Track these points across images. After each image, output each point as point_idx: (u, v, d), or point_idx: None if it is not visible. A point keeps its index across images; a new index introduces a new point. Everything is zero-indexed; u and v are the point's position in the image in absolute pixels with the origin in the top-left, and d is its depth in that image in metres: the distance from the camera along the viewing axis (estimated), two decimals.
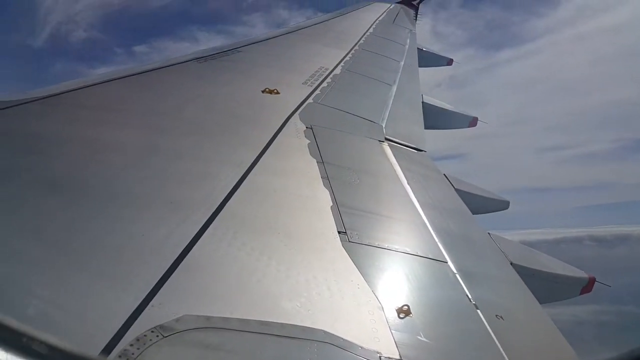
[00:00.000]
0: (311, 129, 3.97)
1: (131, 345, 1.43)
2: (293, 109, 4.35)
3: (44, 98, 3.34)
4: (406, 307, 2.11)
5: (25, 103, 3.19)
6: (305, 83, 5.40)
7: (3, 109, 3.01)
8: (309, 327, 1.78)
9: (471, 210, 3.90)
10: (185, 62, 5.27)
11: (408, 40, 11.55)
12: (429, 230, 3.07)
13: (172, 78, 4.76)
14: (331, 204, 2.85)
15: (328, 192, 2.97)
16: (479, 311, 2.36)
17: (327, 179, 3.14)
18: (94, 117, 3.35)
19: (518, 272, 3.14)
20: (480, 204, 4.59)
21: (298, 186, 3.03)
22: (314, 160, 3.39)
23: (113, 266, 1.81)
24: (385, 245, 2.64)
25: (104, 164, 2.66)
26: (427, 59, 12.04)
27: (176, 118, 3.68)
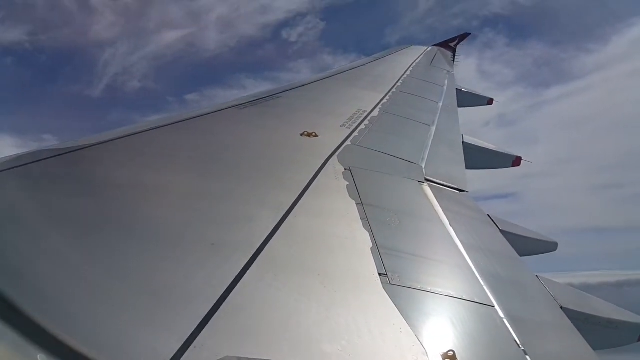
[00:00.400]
0: (350, 170, 3.98)
1: None
2: (331, 151, 4.40)
3: (94, 145, 3.52)
4: (452, 352, 2.03)
5: (78, 150, 3.36)
6: (343, 126, 5.47)
7: (58, 155, 3.19)
8: None
9: (517, 252, 3.77)
10: (226, 109, 5.46)
11: (446, 82, 11.61)
12: (474, 273, 2.97)
13: (213, 124, 4.92)
14: (371, 245, 2.81)
15: (368, 234, 2.95)
16: (528, 357, 2.24)
17: (366, 220, 3.12)
18: (139, 162, 3.49)
19: (569, 317, 2.98)
20: (526, 246, 4.43)
21: (337, 228, 3.02)
22: (353, 202, 3.39)
23: (156, 306, 1.83)
24: (429, 289, 2.57)
25: (148, 206, 2.75)
26: (467, 99, 12.04)
27: (217, 163, 3.79)
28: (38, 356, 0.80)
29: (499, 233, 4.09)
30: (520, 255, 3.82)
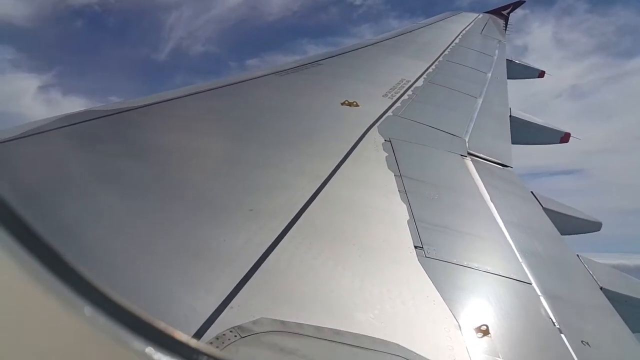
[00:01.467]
0: (390, 141, 3.95)
1: (211, 342, 1.50)
2: (372, 121, 4.36)
3: (138, 108, 3.62)
4: (485, 327, 2.03)
5: (123, 112, 3.47)
6: (385, 95, 5.38)
7: (105, 116, 3.31)
8: (383, 340, 1.76)
9: (560, 231, 3.68)
10: (266, 75, 5.44)
11: (496, 52, 11.15)
12: (513, 250, 2.93)
13: (254, 91, 4.95)
14: (408, 218, 2.81)
15: (405, 206, 2.94)
16: (562, 336, 2.23)
17: (404, 193, 3.10)
18: (181, 126, 3.58)
19: (608, 298, 2.92)
20: (569, 224, 4.31)
21: (374, 199, 3.03)
22: (392, 174, 3.37)
23: (196, 268, 1.92)
24: (464, 263, 2.56)
25: (190, 171, 2.83)
26: (518, 71, 11.56)
27: (257, 129, 3.83)
28: (84, 309, 0.86)
29: (542, 210, 3.99)
30: (563, 234, 3.73)
